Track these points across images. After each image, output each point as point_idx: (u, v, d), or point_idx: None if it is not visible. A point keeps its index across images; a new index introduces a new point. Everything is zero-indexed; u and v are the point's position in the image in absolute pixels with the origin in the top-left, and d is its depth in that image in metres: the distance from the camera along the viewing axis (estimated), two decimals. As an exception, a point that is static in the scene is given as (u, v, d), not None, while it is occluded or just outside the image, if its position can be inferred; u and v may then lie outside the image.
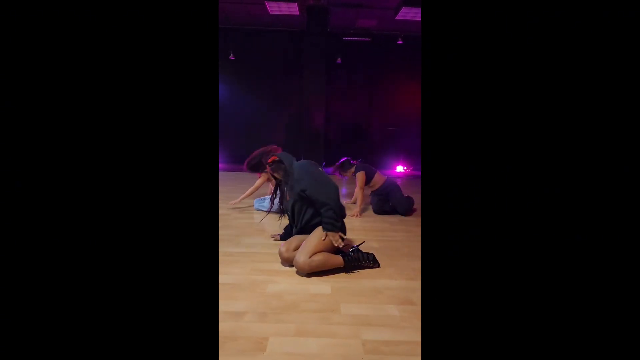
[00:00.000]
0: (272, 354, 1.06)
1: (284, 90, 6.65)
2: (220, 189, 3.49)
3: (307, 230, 1.79)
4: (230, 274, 1.65)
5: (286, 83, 6.61)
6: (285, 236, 2.07)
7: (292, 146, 6.53)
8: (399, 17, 5.01)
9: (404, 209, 2.97)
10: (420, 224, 2.71)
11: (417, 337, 1.16)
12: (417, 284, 1.59)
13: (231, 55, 6.26)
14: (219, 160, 6.35)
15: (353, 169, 3.04)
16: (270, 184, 3.09)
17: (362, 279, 1.63)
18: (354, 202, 3.10)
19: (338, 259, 1.67)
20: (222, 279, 1.59)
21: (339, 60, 6.36)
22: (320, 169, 1.81)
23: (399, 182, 4.50)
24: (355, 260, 1.70)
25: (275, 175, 1.86)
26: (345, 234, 1.76)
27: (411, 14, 4.91)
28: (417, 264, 1.84)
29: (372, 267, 1.75)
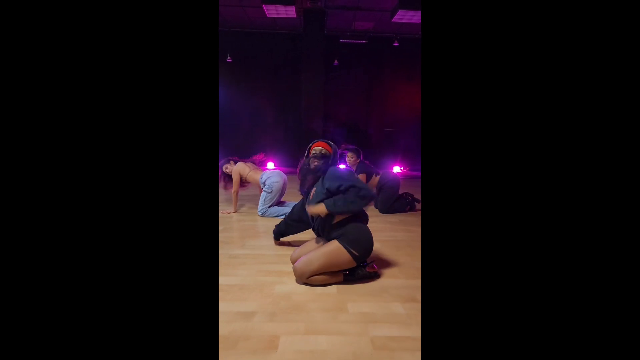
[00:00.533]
0: (284, 351, 1.09)
1: (282, 93, 6.69)
2: (220, 190, 3.50)
3: (323, 234, 1.69)
4: (238, 276, 1.68)
5: (284, 85, 6.64)
6: (276, 234, 2.06)
7: (291, 148, 6.56)
8: (395, 19, 5.07)
9: (384, 208, 3.06)
10: (420, 224, 2.76)
11: (423, 333, 1.20)
12: (420, 282, 1.63)
13: (229, 57, 6.28)
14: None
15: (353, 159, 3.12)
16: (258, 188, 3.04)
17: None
18: None
19: (338, 278, 1.59)
20: (229, 280, 1.62)
21: (336, 62, 6.42)
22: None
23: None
24: (356, 277, 1.61)
25: (316, 164, 1.73)
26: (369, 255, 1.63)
27: (407, 16, 4.97)
28: (419, 263, 1.89)
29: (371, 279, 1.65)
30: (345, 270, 1.61)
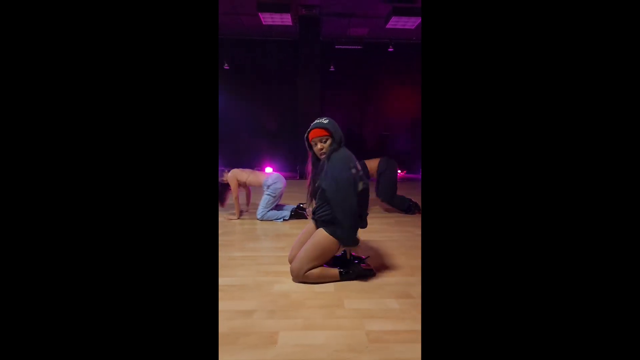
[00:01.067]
0: (283, 346, 1.14)
1: (279, 98, 6.77)
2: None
3: (318, 221, 1.72)
4: (237, 276, 1.73)
5: (281, 91, 6.73)
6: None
7: (289, 152, 6.63)
8: (389, 25, 5.18)
9: (386, 195, 3.08)
10: (416, 224, 2.82)
11: (416, 326, 1.25)
12: (415, 280, 1.68)
13: (226, 65, 6.36)
14: (216, 168, 6.41)
15: None
16: (245, 192, 3.11)
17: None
18: None
19: (334, 274, 1.64)
20: (229, 281, 1.67)
21: (332, 68, 6.52)
22: (352, 171, 1.60)
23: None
24: (352, 274, 1.66)
25: (320, 149, 1.65)
26: (356, 244, 1.65)
27: (401, 22, 5.08)
28: (414, 262, 1.94)
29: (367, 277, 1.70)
30: (341, 268, 1.67)
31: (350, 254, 1.80)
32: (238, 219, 2.95)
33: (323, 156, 1.65)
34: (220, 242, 2.29)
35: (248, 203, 3.26)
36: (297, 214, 2.97)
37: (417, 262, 1.94)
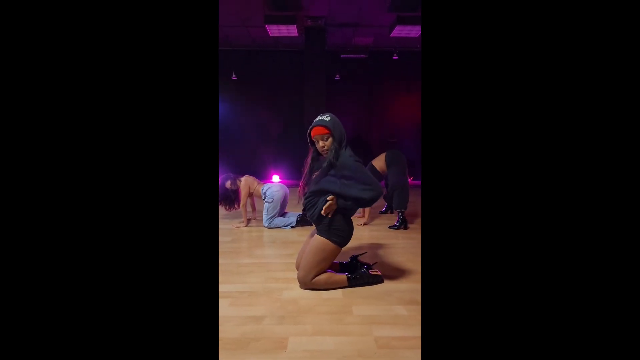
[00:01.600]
0: (293, 351, 1.16)
1: (286, 107, 6.87)
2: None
3: (316, 223, 1.70)
4: (247, 283, 1.76)
5: (287, 100, 6.84)
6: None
7: (295, 160, 6.69)
8: (393, 34, 5.25)
9: (393, 183, 2.99)
10: (420, 232, 2.80)
11: (424, 332, 1.26)
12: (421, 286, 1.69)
13: (234, 75, 6.50)
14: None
15: None
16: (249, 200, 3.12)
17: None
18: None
19: (341, 280, 1.66)
20: (239, 287, 1.70)
21: (337, 77, 6.61)
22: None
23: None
24: (359, 279, 1.68)
25: (322, 146, 1.64)
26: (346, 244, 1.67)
27: (405, 31, 5.15)
28: (420, 268, 1.94)
29: (375, 283, 1.72)
30: (348, 273, 1.69)
31: (357, 259, 1.82)
32: (246, 226, 2.99)
33: (326, 154, 1.65)
34: (229, 250, 2.33)
35: (254, 210, 3.31)
36: (303, 220, 2.99)
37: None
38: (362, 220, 3.02)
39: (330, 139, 1.64)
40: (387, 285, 1.72)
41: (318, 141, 1.66)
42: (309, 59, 6.01)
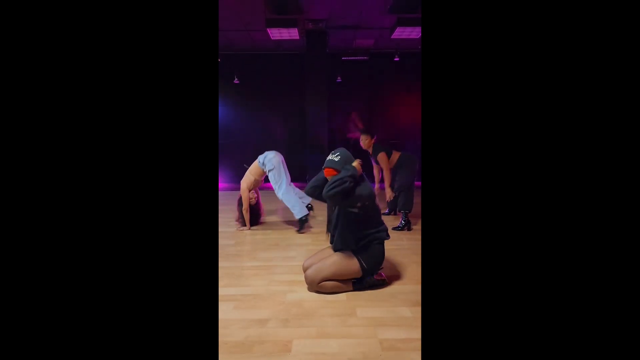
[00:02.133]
0: (297, 354, 1.16)
1: (288, 110, 6.89)
2: (227, 207, 3.60)
3: (344, 243, 1.69)
4: (251, 286, 1.76)
5: (289, 103, 6.86)
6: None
7: (298, 162, 6.70)
8: (394, 36, 5.25)
9: (401, 183, 2.99)
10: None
11: (429, 334, 1.26)
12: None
13: (236, 79, 6.54)
14: (224, 180, 6.54)
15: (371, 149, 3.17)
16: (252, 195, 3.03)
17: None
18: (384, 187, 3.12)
19: (348, 288, 1.66)
20: (243, 290, 1.70)
21: (339, 79, 6.62)
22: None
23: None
24: (365, 284, 1.67)
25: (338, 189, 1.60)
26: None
27: (406, 32, 5.15)
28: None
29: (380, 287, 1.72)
30: (354, 278, 1.67)
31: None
32: (249, 229, 2.99)
33: (338, 189, 1.61)
34: (232, 253, 2.33)
35: (262, 214, 3.28)
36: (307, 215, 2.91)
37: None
38: (389, 194, 3.03)
39: (340, 182, 1.61)
40: (391, 287, 1.71)
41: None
42: (310, 62, 6.03)
